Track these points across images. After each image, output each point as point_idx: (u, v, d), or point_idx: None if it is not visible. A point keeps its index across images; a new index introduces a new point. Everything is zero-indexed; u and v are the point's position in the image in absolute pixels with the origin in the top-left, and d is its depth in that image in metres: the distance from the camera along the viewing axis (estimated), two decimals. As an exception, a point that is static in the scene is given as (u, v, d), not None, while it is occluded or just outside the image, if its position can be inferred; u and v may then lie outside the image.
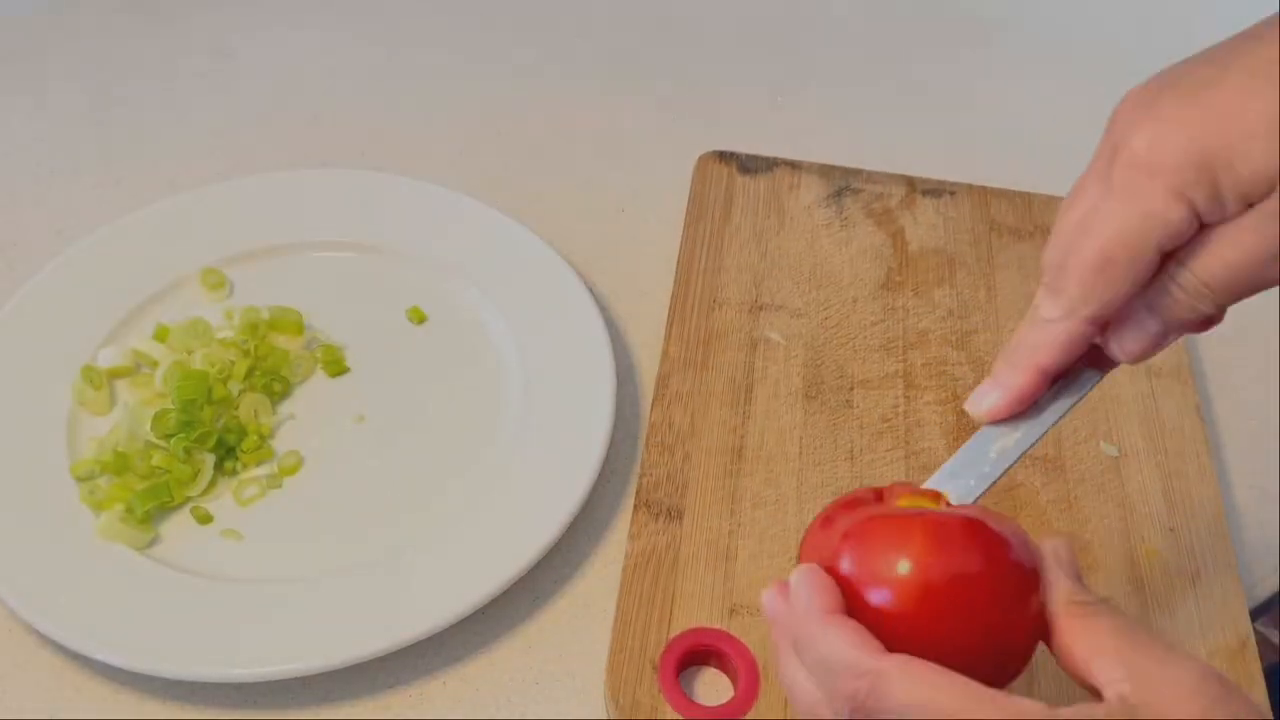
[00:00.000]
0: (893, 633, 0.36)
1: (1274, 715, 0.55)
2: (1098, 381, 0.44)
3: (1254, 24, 0.40)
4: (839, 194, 0.76)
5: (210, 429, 0.62)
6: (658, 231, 0.76)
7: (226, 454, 0.62)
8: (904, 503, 0.41)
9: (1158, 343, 0.42)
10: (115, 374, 0.65)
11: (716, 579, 0.57)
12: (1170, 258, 0.40)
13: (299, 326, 0.68)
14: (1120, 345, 0.42)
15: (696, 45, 0.92)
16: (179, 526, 0.60)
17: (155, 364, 0.65)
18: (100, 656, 0.54)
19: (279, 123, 0.83)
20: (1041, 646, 0.38)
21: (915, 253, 0.73)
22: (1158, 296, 0.40)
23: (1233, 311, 0.41)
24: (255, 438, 0.62)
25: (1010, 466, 0.43)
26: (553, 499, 0.59)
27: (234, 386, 0.64)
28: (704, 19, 0.94)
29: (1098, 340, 0.43)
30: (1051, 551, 0.39)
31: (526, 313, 0.68)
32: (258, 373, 0.65)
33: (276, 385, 0.65)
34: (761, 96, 0.88)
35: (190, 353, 0.65)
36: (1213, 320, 0.42)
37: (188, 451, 0.61)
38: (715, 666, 0.55)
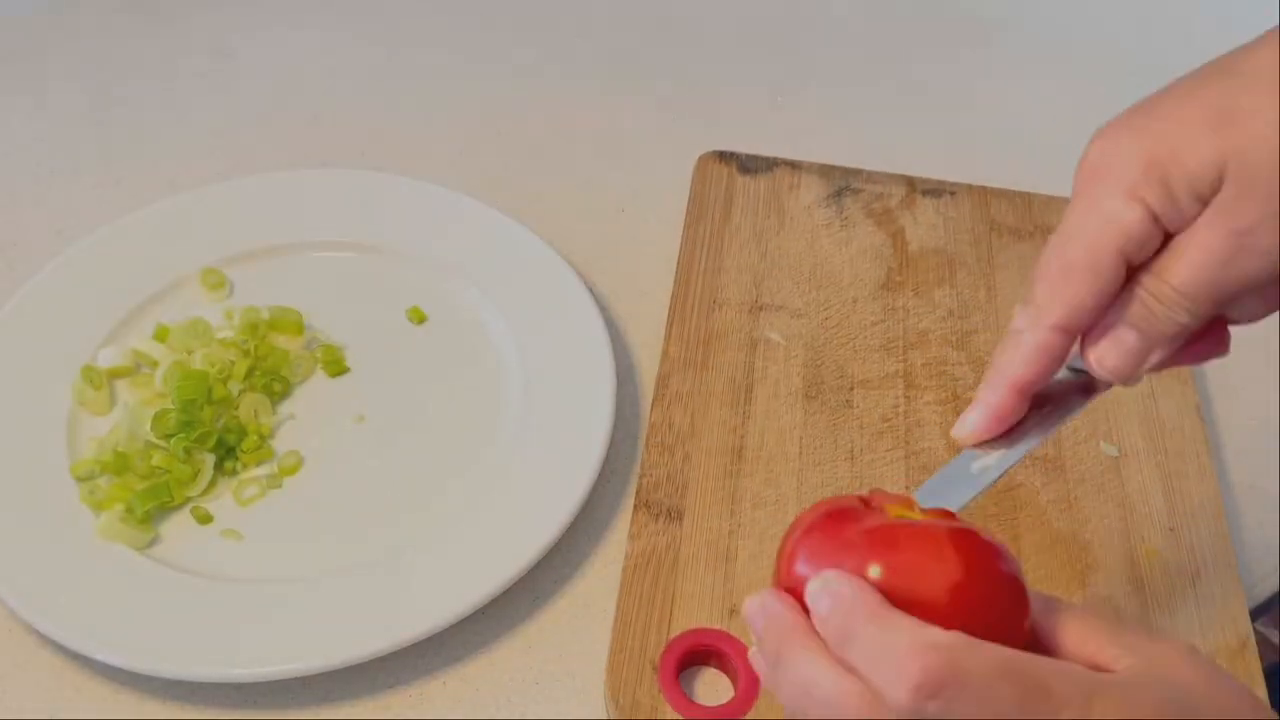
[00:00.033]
0: None
1: (1274, 715, 0.55)
2: (1085, 406, 0.44)
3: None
4: (839, 194, 0.76)
5: (210, 429, 0.62)
6: (658, 231, 0.76)
7: (226, 454, 0.62)
8: (898, 513, 0.40)
9: (1138, 358, 0.41)
10: (115, 374, 0.65)
11: (716, 579, 0.57)
12: (1141, 269, 0.40)
13: (299, 326, 0.67)
14: (1099, 359, 0.42)
15: (696, 45, 0.92)
16: (179, 526, 0.60)
17: (155, 364, 0.65)
18: (100, 656, 0.54)
19: (279, 123, 0.83)
20: None
21: (915, 253, 0.73)
22: (1132, 308, 0.40)
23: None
24: (255, 438, 0.62)
25: (991, 484, 0.42)
26: (553, 499, 0.59)
27: (234, 386, 0.64)
28: (704, 19, 0.94)
29: (1081, 364, 0.43)
30: None
31: (526, 313, 0.68)
32: (258, 373, 0.65)
33: (276, 385, 0.65)
34: (761, 96, 0.88)
35: (190, 353, 0.65)
36: (1218, 346, 0.42)
37: (188, 451, 0.61)
38: (715, 666, 0.55)
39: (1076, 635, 0.37)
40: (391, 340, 0.69)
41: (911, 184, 0.77)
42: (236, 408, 0.63)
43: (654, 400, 0.64)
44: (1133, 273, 0.40)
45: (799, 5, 0.96)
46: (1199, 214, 0.39)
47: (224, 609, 0.56)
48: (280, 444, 0.64)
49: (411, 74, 0.88)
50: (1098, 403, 0.65)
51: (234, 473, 0.62)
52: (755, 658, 0.39)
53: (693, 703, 0.53)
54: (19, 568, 0.56)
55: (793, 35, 0.94)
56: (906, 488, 0.61)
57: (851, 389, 0.66)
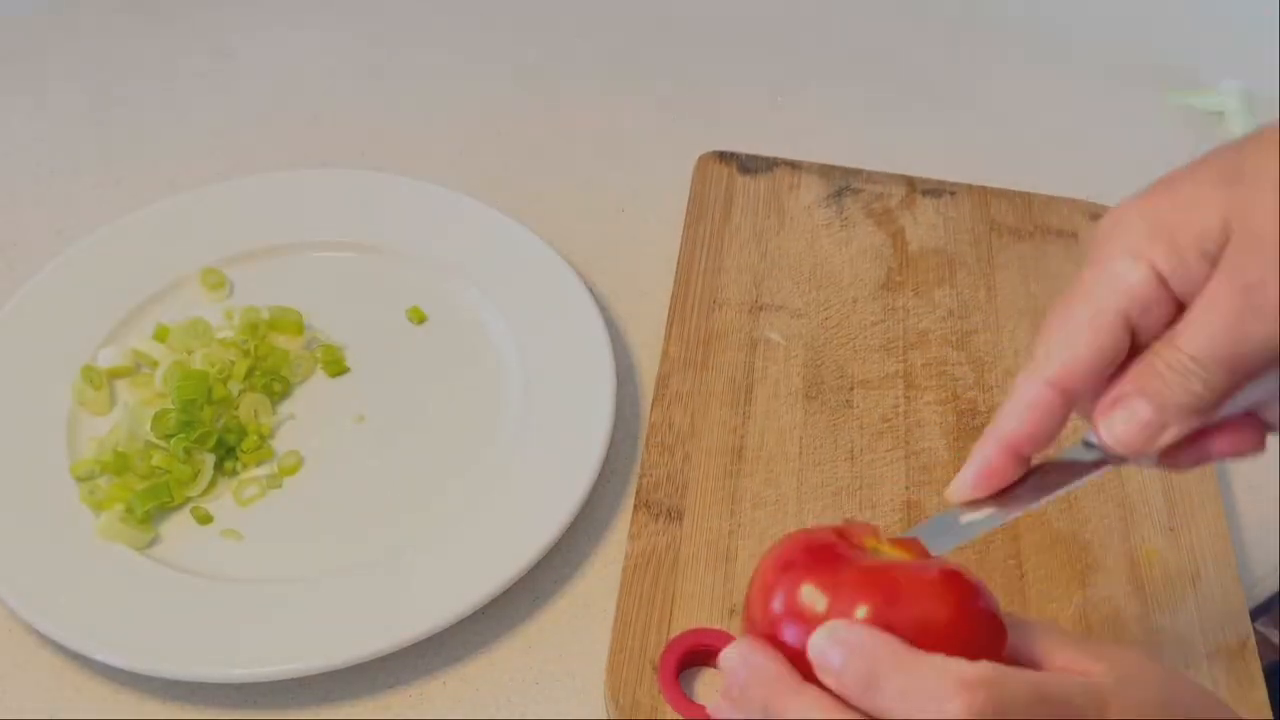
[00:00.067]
0: None
1: (1274, 715, 0.55)
2: (1090, 478, 0.42)
3: None
4: (839, 194, 0.76)
5: (210, 429, 0.62)
6: (658, 231, 0.76)
7: (226, 454, 0.62)
8: (874, 547, 0.40)
9: (1151, 431, 0.40)
10: (115, 374, 0.65)
11: (716, 579, 0.57)
12: (1156, 338, 0.39)
13: (299, 326, 0.67)
14: (1109, 428, 0.40)
15: (696, 45, 0.92)
16: (179, 526, 0.60)
17: (155, 364, 0.65)
18: (100, 656, 0.54)
19: (279, 123, 0.83)
20: None
21: (915, 253, 0.73)
22: (1145, 376, 0.39)
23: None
24: (255, 438, 0.62)
25: (974, 537, 0.41)
26: (553, 499, 0.59)
27: (234, 386, 0.64)
28: (704, 19, 0.94)
29: (1094, 438, 0.42)
30: None
31: (526, 313, 0.68)
32: (258, 373, 0.65)
33: (276, 385, 0.65)
34: (761, 96, 0.88)
35: (190, 353, 0.65)
36: (1251, 442, 0.42)
37: (188, 451, 0.61)
38: (715, 666, 0.55)
39: (1053, 649, 0.37)
40: (391, 340, 0.69)
41: (911, 184, 0.77)
42: (236, 408, 0.63)
43: (654, 400, 0.64)
44: (1146, 342, 0.40)
45: (799, 5, 0.96)
46: (1209, 276, 0.38)
47: (224, 609, 0.56)
48: (280, 444, 0.64)
49: (411, 74, 0.88)
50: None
51: (234, 473, 0.62)
52: (723, 709, 0.38)
53: (693, 703, 0.53)
54: (19, 568, 0.56)
55: (793, 35, 0.94)
56: (906, 488, 0.61)
57: (851, 389, 0.66)
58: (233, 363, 0.64)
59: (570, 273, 0.69)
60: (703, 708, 0.53)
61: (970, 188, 0.77)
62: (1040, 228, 0.75)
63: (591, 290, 0.69)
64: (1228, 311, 0.38)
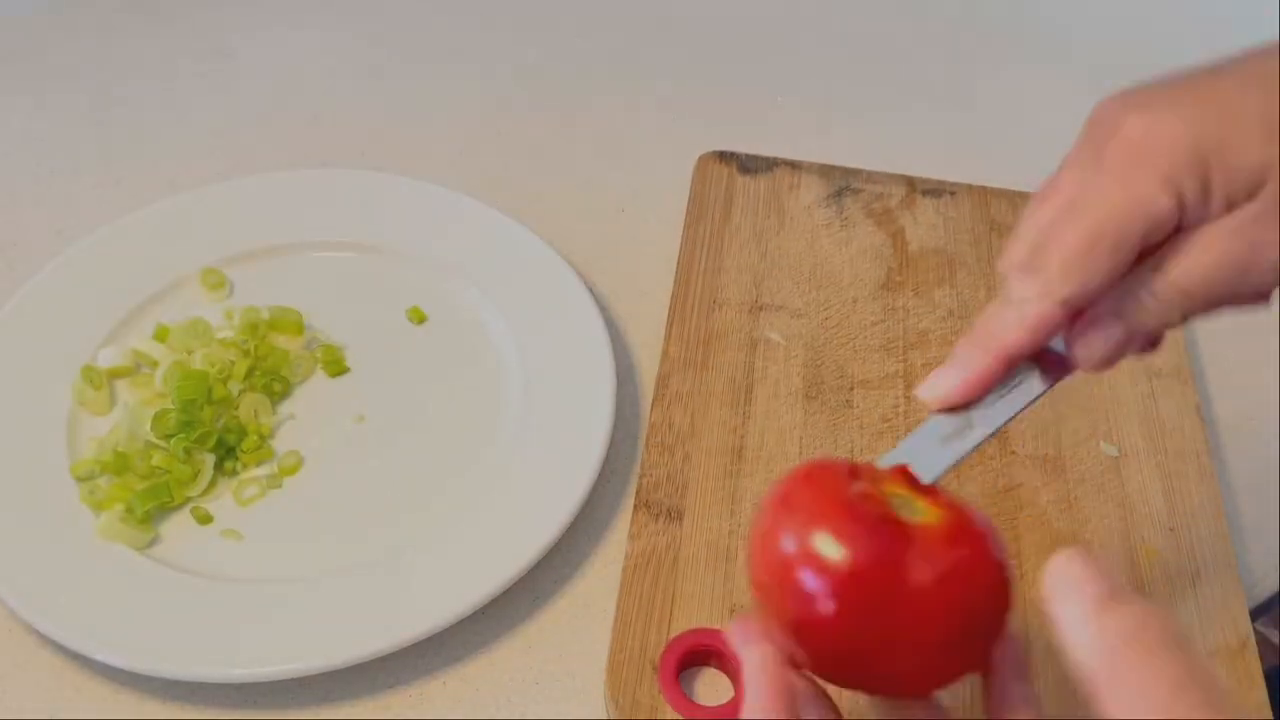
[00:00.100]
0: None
1: (1274, 715, 0.55)
2: (1047, 390, 0.42)
3: (1243, 50, 0.40)
4: (839, 194, 0.76)
5: (210, 429, 0.62)
6: (658, 231, 0.76)
7: (226, 454, 0.62)
8: (891, 490, 0.40)
9: (1120, 352, 0.41)
10: (115, 374, 0.65)
11: (716, 579, 0.57)
12: (1143, 261, 0.39)
13: (299, 326, 0.68)
14: (1086, 347, 0.41)
15: (696, 45, 0.92)
16: (179, 526, 0.60)
17: (155, 364, 0.65)
18: (100, 656, 0.54)
19: (279, 123, 0.83)
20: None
21: (915, 253, 0.73)
22: (1127, 301, 0.40)
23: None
24: (255, 438, 0.63)
25: (965, 457, 0.41)
26: (553, 499, 0.59)
27: (234, 386, 0.64)
28: (704, 19, 0.94)
29: (1059, 346, 0.42)
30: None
31: (526, 313, 0.68)
32: (258, 373, 0.65)
33: (276, 385, 0.65)
34: (761, 96, 0.88)
35: (190, 353, 0.65)
36: (1158, 341, 0.41)
37: (188, 451, 0.61)
38: (715, 666, 0.55)
39: None
40: (391, 340, 0.69)
41: (911, 184, 0.77)
42: (236, 408, 0.63)
43: (654, 400, 0.64)
44: (1138, 259, 0.39)
45: (799, 5, 0.96)
46: (1222, 215, 0.37)
47: (224, 609, 0.56)
48: (280, 444, 0.64)
49: (411, 74, 0.88)
50: (1097, 403, 0.65)
51: (234, 473, 0.62)
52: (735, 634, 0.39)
53: (693, 703, 0.53)
54: (19, 568, 0.56)
55: (793, 35, 0.94)
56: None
57: (851, 389, 0.66)
58: (233, 363, 0.64)
59: (570, 273, 0.69)
60: (703, 708, 0.53)
61: (970, 188, 0.77)
62: (1040, 228, 0.75)
63: (591, 290, 0.69)
64: (1236, 258, 0.37)
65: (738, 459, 0.62)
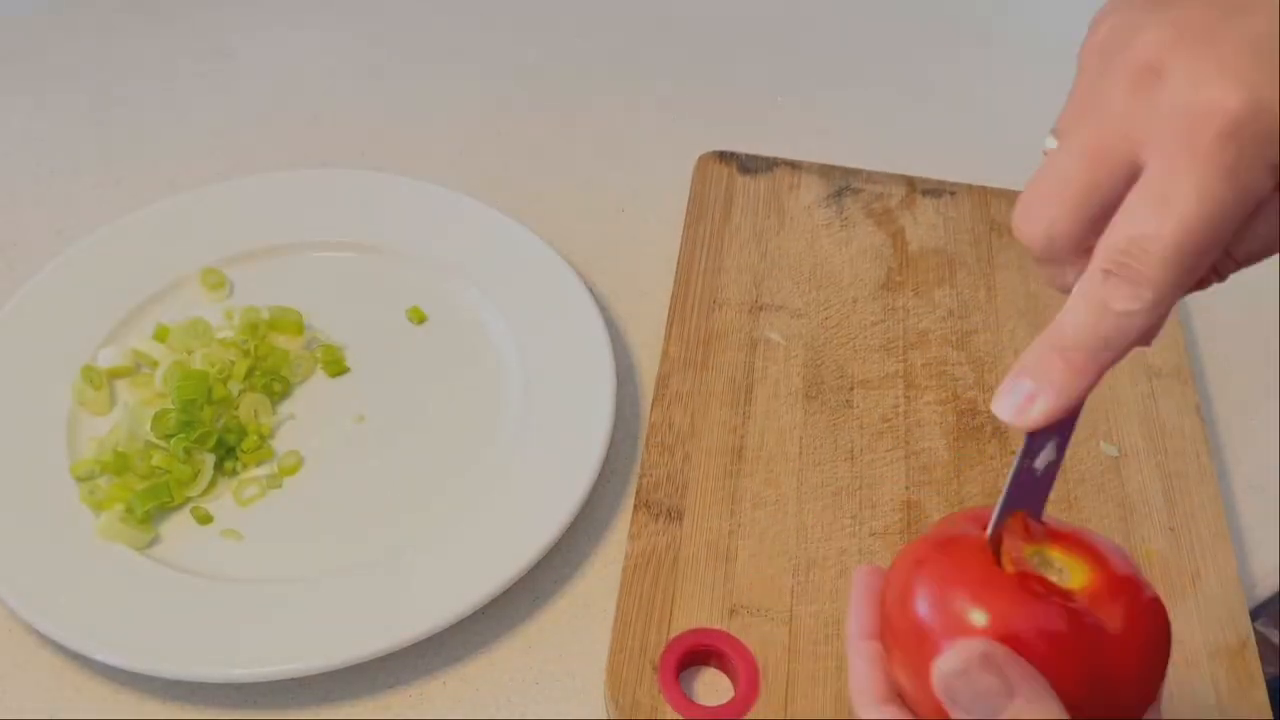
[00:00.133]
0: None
1: (1274, 716, 0.55)
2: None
3: None
4: (839, 194, 0.76)
5: (210, 429, 0.62)
6: (658, 231, 0.76)
7: (226, 454, 0.62)
8: (1029, 551, 0.38)
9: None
10: (115, 374, 0.65)
11: (716, 579, 0.57)
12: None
13: (299, 326, 0.67)
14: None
15: (696, 45, 0.92)
16: (179, 526, 0.60)
17: (155, 364, 0.65)
18: (100, 656, 0.54)
19: (279, 123, 0.83)
20: None
21: (915, 253, 0.73)
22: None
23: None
24: (255, 438, 0.62)
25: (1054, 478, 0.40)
26: (553, 499, 0.59)
27: (234, 386, 0.64)
28: (704, 19, 0.94)
29: None
30: None
31: (526, 313, 0.68)
32: (258, 373, 0.65)
33: (276, 385, 0.65)
34: (761, 96, 0.88)
35: (190, 353, 0.65)
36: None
37: (188, 451, 0.61)
38: (715, 666, 0.55)
39: None
40: (391, 340, 0.69)
41: (911, 184, 0.77)
42: (236, 408, 0.63)
43: (654, 400, 0.64)
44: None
45: (799, 5, 0.96)
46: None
47: (224, 609, 0.56)
48: (280, 444, 0.64)
49: (411, 74, 0.88)
50: (1097, 403, 0.65)
51: (234, 473, 0.62)
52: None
53: (693, 703, 0.53)
54: (19, 568, 0.56)
55: (793, 35, 0.94)
56: (906, 488, 0.61)
57: (851, 389, 0.66)
58: (233, 363, 0.64)
59: (570, 273, 0.69)
60: (703, 708, 0.53)
61: (970, 188, 0.77)
62: (1040, 228, 0.74)
63: (591, 290, 0.69)
64: None
65: (738, 459, 0.62)
